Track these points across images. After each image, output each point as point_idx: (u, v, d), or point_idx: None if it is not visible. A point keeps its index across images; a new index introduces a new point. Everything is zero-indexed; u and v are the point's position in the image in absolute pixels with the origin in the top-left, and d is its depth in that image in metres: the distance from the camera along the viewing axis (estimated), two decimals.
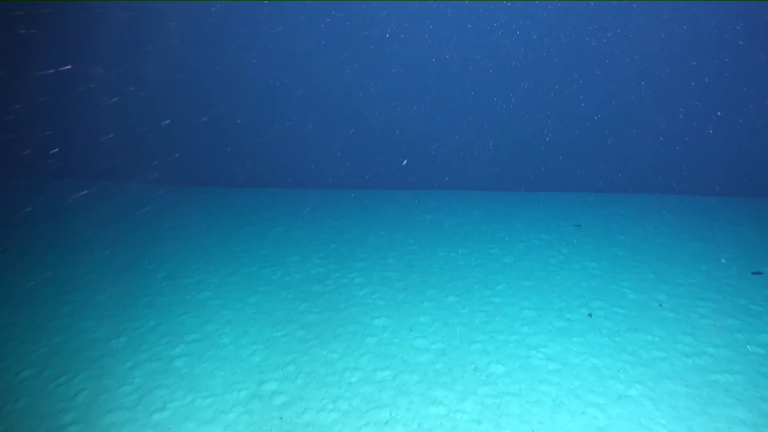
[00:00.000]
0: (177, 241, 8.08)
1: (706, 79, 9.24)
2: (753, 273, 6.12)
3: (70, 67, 10.72)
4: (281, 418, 4.00)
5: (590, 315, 5.33)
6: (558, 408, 3.98)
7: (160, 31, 10.21)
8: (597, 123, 9.97)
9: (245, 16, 10.20)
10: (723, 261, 6.49)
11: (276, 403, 4.19)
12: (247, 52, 10.49)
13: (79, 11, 10.38)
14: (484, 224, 8.47)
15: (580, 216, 8.79)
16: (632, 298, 5.68)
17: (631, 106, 9.77)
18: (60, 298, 6.21)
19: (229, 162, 11.33)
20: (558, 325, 5.19)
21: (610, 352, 4.69)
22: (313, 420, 3.97)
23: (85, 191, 10.85)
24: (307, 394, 4.28)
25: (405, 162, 10.26)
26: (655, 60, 9.37)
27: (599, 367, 4.48)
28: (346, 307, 5.75)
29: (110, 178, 11.64)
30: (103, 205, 9.95)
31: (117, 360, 4.93)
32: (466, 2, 9.44)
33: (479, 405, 4.06)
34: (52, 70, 10.91)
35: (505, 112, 10.19)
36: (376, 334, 5.17)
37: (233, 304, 5.92)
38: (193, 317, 5.66)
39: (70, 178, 11.78)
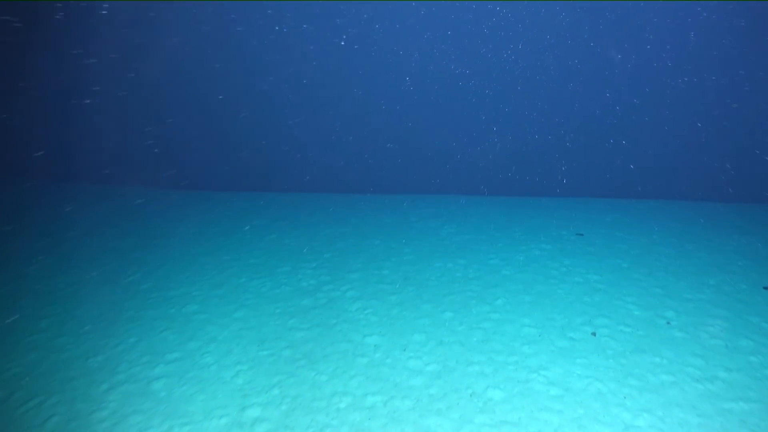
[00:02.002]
0: (165, 249, 7.79)
1: (713, 82, 8.95)
2: (765, 288, 5.83)
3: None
4: None
5: (594, 334, 5.05)
6: None
7: (157, 32, 9.93)
8: (599, 126, 9.69)
9: (242, 17, 9.92)
10: (733, 274, 6.21)
11: None
12: (243, 54, 10.21)
13: (77, 13, 10.09)
14: (483, 232, 8.19)
15: (582, 223, 8.51)
16: (638, 315, 5.39)
17: (635, 109, 9.49)
18: (38, 312, 5.92)
19: (222, 165, 11.06)
20: (560, 345, 4.90)
21: (616, 375, 4.40)
22: None
23: (73, 195, 10.58)
24: (291, 422, 4.01)
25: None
26: (660, 62, 9.09)
27: (604, 393, 4.19)
28: (337, 323, 5.47)
29: (98, 181, 11.37)
30: (90, 210, 9.66)
31: (92, 381, 4.65)
32: (469, 4, 9.15)
33: None
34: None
35: (505, 115, 9.90)
36: (367, 353, 4.89)
37: (218, 319, 5.64)
38: (175, 333, 5.38)
39: (57, 181, 11.50)
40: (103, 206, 10.04)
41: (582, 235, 7.86)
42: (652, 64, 9.10)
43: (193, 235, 8.31)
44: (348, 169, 10.74)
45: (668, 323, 5.17)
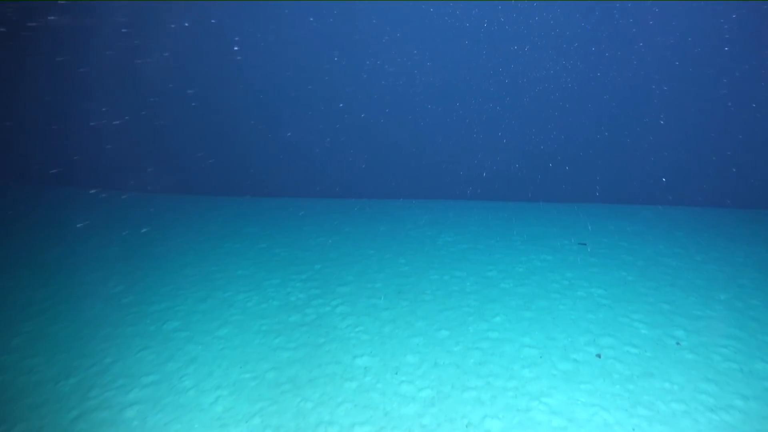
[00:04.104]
0: (150, 259, 7.48)
1: (720, 85, 8.64)
2: None
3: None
4: None
5: (599, 355, 4.73)
6: None
7: (155, 35, 9.63)
8: (602, 129, 9.38)
9: (240, 20, 9.61)
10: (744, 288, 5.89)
11: None
12: (236, 57, 9.90)
13: (75, 15, 9.79)
14: (482, 241, 7.88)
15: (585, 232, 8.19)
16: (645, 333, 5.07)
17: (638, 111, 9.17)
18: (12, 329, 5.61)
19: (214, 169, 10.75)
20: (562, 368, 4.58)
21: (623, 404, 4.08)
22: None
23: (59, 200, 10.26)
24: None
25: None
26: (664, 65, 8.78)
27: (611, 424, 3.87)
28: (326, 342, 5.16)
29: (87, 185, 11.06)
30: (76, 216, 9.34)
31: (61, 407, 4.33)
32: (470, 3, 8.84)
33: None
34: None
35: (505, 117, 9.60)
36: (356, 377, 4.57)
37: (200, 337, 5.33)
38: (154, 353, 5.07)
39: (45, 185, 11.20)
40: (90, 212, 9.74)
41: (585, 244, 7.54)
42: (658, 67, 8.79)
43: (180, 244, 8.00)
44: (343, 173, 10.43)
45: (678, 344, 4.86)
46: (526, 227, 8.52)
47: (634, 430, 3.80)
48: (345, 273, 6.78)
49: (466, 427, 3.91)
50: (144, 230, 8.69)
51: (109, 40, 9.71)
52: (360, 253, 7.46)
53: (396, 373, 4.60)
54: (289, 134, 10.19)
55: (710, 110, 8.81)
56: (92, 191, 10.94)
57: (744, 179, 9.03)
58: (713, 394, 4.16)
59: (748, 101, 8.57)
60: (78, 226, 8.91)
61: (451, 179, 10.20)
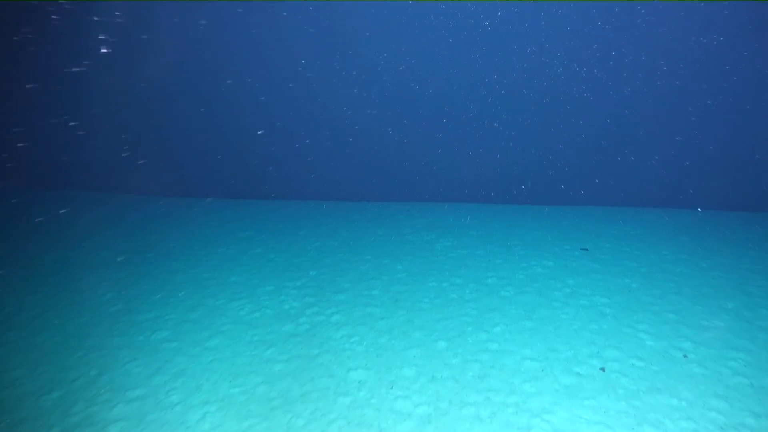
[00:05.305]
0: (141, 264, 7.30)
1: (725, 86, 8.44)
2: None
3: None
4: None
5: (603, 369, 4.54)
6: None
7: (150, 35, 9.44)
8: (604, 129, 9.18)
9: (234, 21, 9.42)
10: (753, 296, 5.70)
11: None
12: (235, 60, 9.72)
13: (73, 17, 9.59)
14: (481, 246, 7.69)
15: (587, 236, 8.01)
16: (651, 345, 4.89)
17: (641, 111, 8.97)
18: None
19: (209, 171, 10.56)
20: (565, 382, 4.40)
21: (630, 422, 3.90)
22: None
23: (52, 203, 10.08)
24: None
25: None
26: (668, 64, 8.58)
27: None
28: (319, 353, 4.97)
29: (82, 188, 10.88)
30: (68, 220, 9.17)
31: (42, 424, 4.15)
32: (470, 4, 8.63)
33: None
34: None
35: (504, 117, 9.40)
36: (350, 392, 4.38)
37: (190, 348, 5.15)
38: (141, 365, 4.88)
39: (39, 188, 11.01)
40: (82, 215, 9.56)
41: (587, 250, 7.35)
42: (662, 68, 8.59)
43: (172, 249, 7.82)
44: (340, 175, 10.25)
45: (685, 356, 4.67)
46: (526, 231, 8.33)
47: None
48: (341, 279, 6.60)
49: None
50: (136, 234, 8.51)
51: (108, 40, 9.53)
52: (356, 259, 7.28)
53: (391, 388, 4.42)
54: (285, 136, 10.00)
55: (716, 110, 8.59)
56: (84, 194, 10.76)
57: (750, 181, 8.83)
58: (723, 411, 3.97)
59: (757, 103, 8.35)
60: (70, 230, 8.73)
61: (449, 181, 10.01)
